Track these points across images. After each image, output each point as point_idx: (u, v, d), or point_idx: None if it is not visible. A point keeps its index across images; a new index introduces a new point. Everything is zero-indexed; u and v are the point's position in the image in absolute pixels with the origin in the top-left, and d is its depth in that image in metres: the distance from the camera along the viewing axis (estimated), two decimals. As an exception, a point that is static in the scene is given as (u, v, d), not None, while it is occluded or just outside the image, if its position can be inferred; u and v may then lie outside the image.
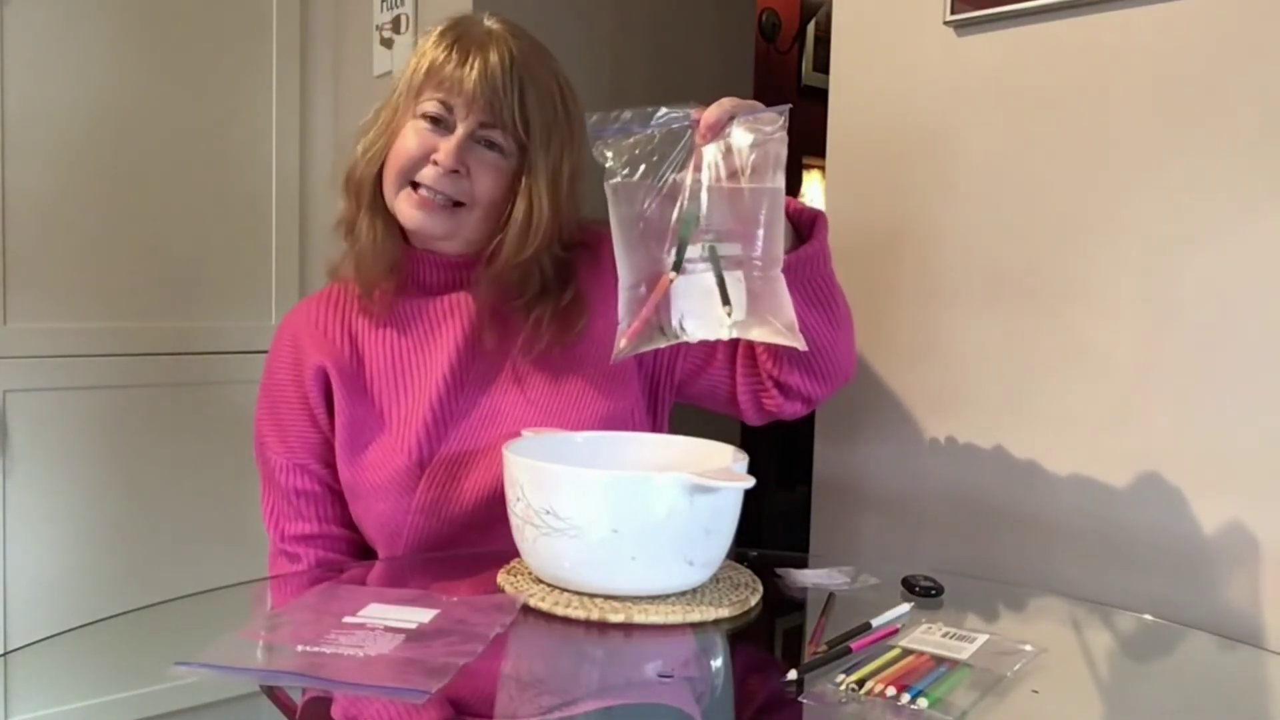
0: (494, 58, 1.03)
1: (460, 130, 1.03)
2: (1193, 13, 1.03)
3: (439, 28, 1.07)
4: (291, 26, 2.13)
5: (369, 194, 1.08)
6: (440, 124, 1.04)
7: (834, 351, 1.04)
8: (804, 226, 0.99)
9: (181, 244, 2.01)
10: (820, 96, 1.44)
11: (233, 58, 2.06)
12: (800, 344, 0.83)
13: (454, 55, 1.03)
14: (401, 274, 1.11)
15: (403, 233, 1.10)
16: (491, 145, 1.05)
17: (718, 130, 0.83)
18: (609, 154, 0.85)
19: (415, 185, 1.05)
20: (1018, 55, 1.16)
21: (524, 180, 1.05)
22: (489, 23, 1.07)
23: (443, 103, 1.04)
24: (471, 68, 1.02)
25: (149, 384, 1.97)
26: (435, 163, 1.03)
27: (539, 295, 1.09)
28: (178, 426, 2.01)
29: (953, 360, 1.23)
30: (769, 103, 0.85)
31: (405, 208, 1.06)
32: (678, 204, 0.84)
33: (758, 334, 0.84)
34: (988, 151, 1.19)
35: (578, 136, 1.08)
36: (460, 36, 1.05)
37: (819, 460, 1.38)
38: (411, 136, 1.04)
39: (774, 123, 0.82)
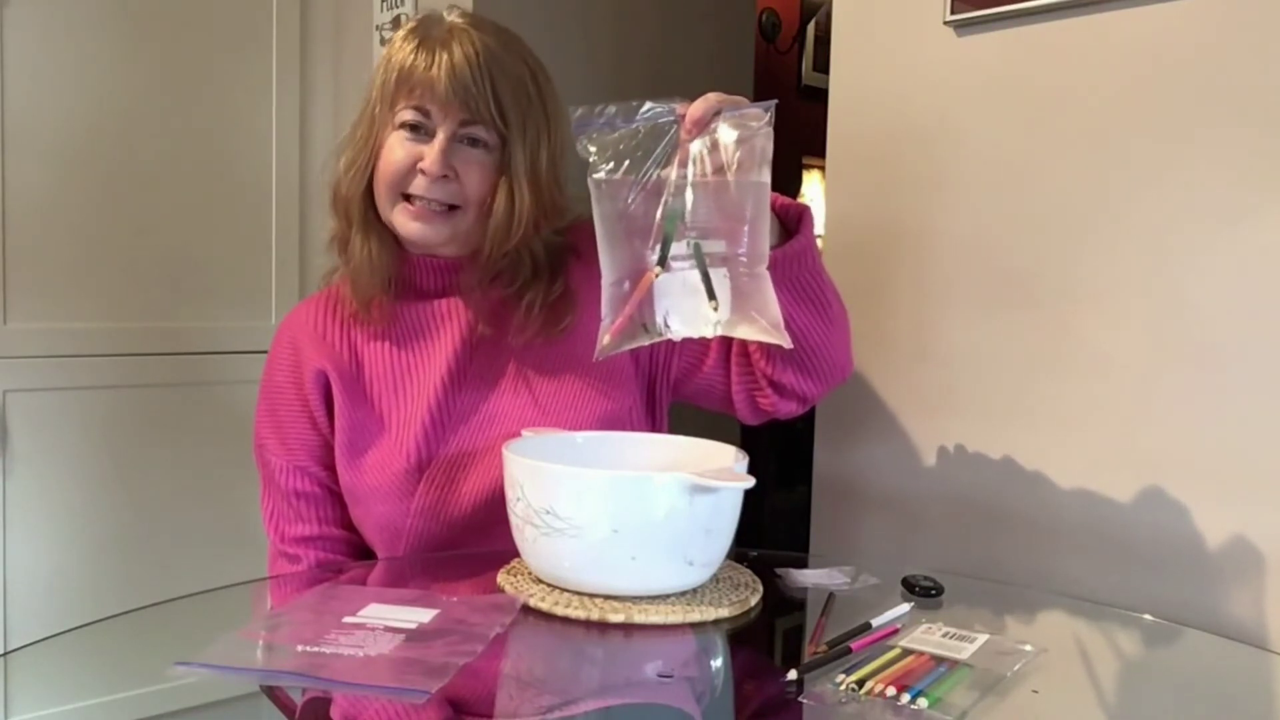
0: (459, 54, 1.02)
1: (441, 134, 1.03)
2: (1193, 12, 1.03)
3: (402, 31, 1.07)
4: (291, 26, 2.13)
5: (358, 211, 1.08)
6: (420, 130, 1.04)
7: (827, 349, 1.03)
8: (790, 221, 0.98)
9: (181, 244, 2.01)
10: (820, 96, 1.44)
11: (233, 57, 2.06)
12: (785, 341, 0.82)
13: (420, 58, 1.02)
14: (398, 281, 1.11)
15: (397, 241, 1.09)
16: (475, 142, 1.04)
17: (703, 125, 0.83)
18: (593, 149, 0.84)
19: (408, 197, 1.05)
20: (1018, 55, 1.16)
21: (504, 172, 1.05)
22: (450, 17, 1.06)
23: (418, 108, 1.03)
24: (440, 68, 1.01)
25: (149, 384, 1.97)
26: (423, 171, 1.03)
27: (530, 280, 1.09)
28: (178, 426, 2.01)
29: (953, 360, 1.23)
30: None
31: (402, 221, 1.05)
32: (662, 200, 0.83)
33: (743, 331, 0.84)
34: (988, 151, 1.19)
35: (554, 119, 1.08)
36: (424, 38, 1.04)
37: (819, 460, 1.38)
38: (396, 149, 1.04)
39: (760, 118, 0.82)
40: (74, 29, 1.86)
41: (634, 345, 0.85)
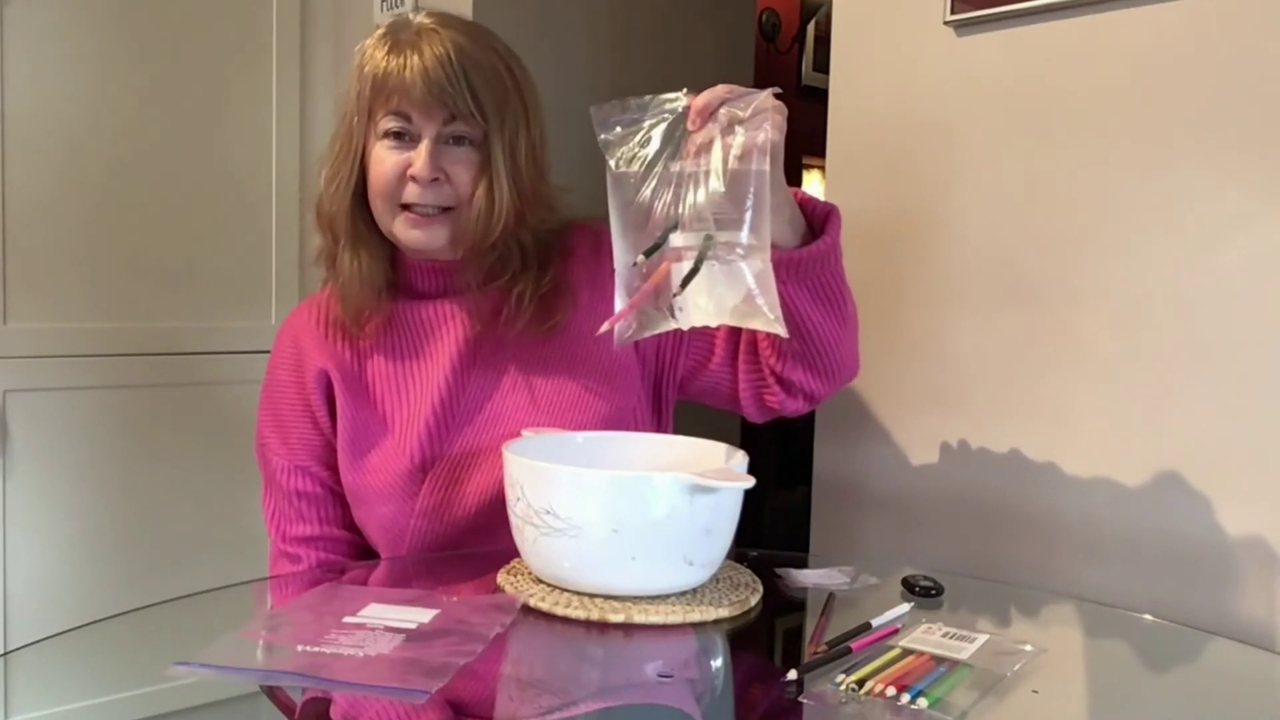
0: (430, 54, 1.01)
1: (426, 137, 1.02)
2: (1193, 13, 1.03)
3: (373, 39, 1.06)
4: (291, 27, 2.13)
5: (345, 225, 1.07)
6: (404, 137, 1.03)
7: (839, 349, 1.04)
8: (817, 221, 0.98)
9: (181, 244, 2.01)
10: (820, 96, 1.44)
11: (232, 57, 2.06)
12: (783, 331, 0.82)
13: (393, 63, 1.01)
14: (395, 285, 1.11)
15: (389, 249, 1.09)
16: (460, 140, 1.04)
17: (707, 116, 0.83)
18: (609, 142, 0.86)
19: (406, 206, 1.04)
20: (1018, 55, 1.16)
21: (485, 167, 1.04)
22: (418, 19, 1.05)
23: (398, 113, 1.02)
24: (414, 70, 1.00)
25: (149, 384, 1.97)
26: (414, 178, 1.02)
27: (520, 272, 1.08)
28: (178, 427, 2.01)
29: (953, 359, 1.23)
30: None
31: (404, 230, 1.05)
32: (670, 190, 0.84)
33: (745, 321, 0.84)
34: (988, 151, 1.19)
35: (532, 108, 1.08)
36: (394, 44, 1.03)
37: (819, 460, 1.38)
38: (384, 160, 1.03)
39: (765, 108, 0.82)
40: (74, 29, 1.86)
41: (645, 334, 0.86)
